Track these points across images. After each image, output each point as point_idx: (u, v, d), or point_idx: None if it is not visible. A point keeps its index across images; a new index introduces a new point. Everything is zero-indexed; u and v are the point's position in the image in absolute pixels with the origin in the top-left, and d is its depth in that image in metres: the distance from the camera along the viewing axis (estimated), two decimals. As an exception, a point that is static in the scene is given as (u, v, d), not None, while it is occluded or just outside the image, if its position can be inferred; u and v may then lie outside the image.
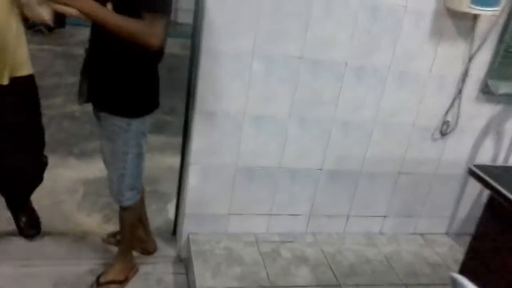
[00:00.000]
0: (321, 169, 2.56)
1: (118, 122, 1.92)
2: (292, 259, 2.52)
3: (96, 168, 3.21)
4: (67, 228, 2.71)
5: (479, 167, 1.77)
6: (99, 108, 2.00)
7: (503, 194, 1.61)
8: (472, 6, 2.20)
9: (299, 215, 2.68)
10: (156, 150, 3.64)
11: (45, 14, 1.54)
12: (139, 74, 1.90)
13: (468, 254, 1.88)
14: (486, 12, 2.24)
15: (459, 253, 2.80)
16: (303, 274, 2.40)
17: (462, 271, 1.90)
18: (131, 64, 1.85)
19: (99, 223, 2.81)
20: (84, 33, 2.21)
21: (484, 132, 2.69)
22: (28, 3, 1.56)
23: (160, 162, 3.54)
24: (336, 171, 2.59)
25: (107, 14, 1.59)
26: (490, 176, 1.71)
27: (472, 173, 1.78)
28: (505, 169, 1.83)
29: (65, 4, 1.49)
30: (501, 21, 2.39)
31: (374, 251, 2.68)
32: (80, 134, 3.79)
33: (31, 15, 1.60)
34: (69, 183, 3.12)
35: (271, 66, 2.25)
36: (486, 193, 2.83)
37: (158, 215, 2.96)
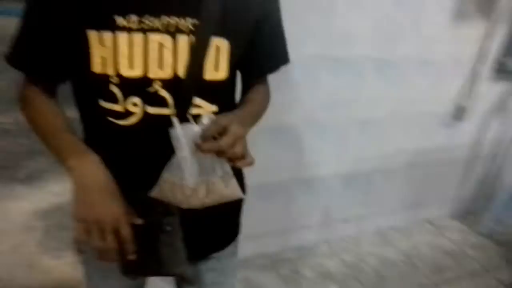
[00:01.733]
0: (336, 174, 2.28)
1: (231, 250, 1.23)
2: (316, 277, 2.27)
3: (50, 194, 2.63)
4: (32, 278, 2.19)
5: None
6: (201, 255, 1.17)
7: None
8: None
9: (311, 225, 2.41)
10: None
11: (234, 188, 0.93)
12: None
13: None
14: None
15: (470, 236, 2.74)
16: (334, 295, 2.18)
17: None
18: None
19: (72, 264, 2.30)
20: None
21: (492, 111, 2.56)
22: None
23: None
24: (351, 174, 2.33)
25: (251, 119, 1.02)
26: None
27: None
28: None
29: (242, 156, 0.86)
30: (520, -5, 2.19)
31: (393, 251, 2.52)
32: (18, 152, 3.09)
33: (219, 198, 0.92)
34: (22, 218, 2.53)
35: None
36: (489, 171, 2.79)
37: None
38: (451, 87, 2.32)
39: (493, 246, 2.69)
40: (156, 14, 0.84)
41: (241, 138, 0.84)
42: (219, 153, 0.82)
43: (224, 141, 0.81)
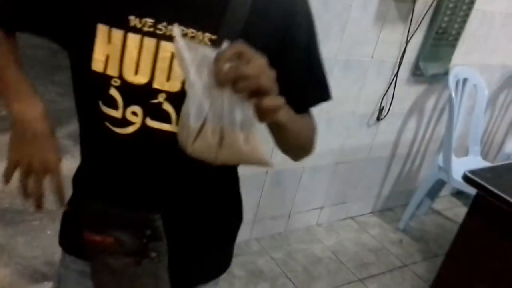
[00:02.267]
0: (266, 172, 2.29)
1: (215, 282, 1.11)
2: (247, 276, 2.25)
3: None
4: None
5: (473, 172, 1.73)
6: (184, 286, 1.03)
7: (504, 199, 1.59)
8: (423, -10, 2.09)
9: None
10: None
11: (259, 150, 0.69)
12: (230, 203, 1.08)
13: (453, 249, 1.87)
14: (430, -4, 2.17)
15: (391, 232, 2.88)
16: (265, 293, 2.17)
17: (448, 261, 1.90)
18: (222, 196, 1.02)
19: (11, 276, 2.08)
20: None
21: (410, 113, 2.71)
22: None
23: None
24: (279, 172, 2.35)
25: (293, 115, 0.81)
26: (486, 181, 1.68)
27: (467, 179, 1.72)
28: (493, 170, 1.83)
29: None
30: (434, 3, 2.35)
31: (320, 247, 2.58)
32: None
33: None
34: None
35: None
36: (406, 169, 2.96)
37: (57, 243, 2.35)
38: (374, 88, 2.43)
39: (410, 241, 2.85)
40: (174, 22, 0.76)
41: (269, 72, 0.63)
42: (239, 84, 0.60)
43: (247, 67, 0.60)
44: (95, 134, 0.87)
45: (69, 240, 1.02)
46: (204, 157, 0.68)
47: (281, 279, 2.29)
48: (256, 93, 0.61)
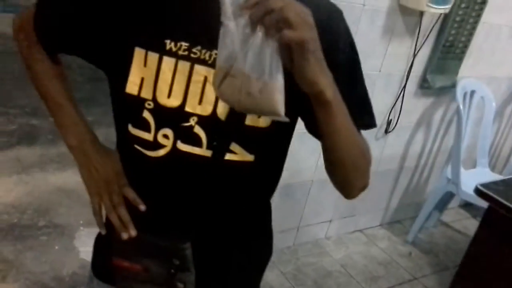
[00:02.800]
0: (275, 185, 2.29)
1: None
2: (257, 290, 2.24)
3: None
4: None
5: (485, 185, 1.72)
6: None
7: None
8: (430, 4, 2.11)
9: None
10: (33, 166, 2.89)
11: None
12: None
13: (465, 262, 1.86)
14: (438, 10, 2.18)
15: (399, 245, 2.86)
16: (275, 308, 2.16)
17: (460, 274, 1.89)
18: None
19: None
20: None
21: (418, 125, 2.72)
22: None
23: (44, 182, 2.83)
24: (287, 185, 2.35)
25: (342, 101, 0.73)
26: (498, 194, 1.67)
27: (479, 192, 1.72)
28: (504, 183, 1.82)
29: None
30: (441, 16, 2.36)
31: (329, 260, 2.56)
32: None
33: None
34: None
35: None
36: (414, 182, 2.96)
37: (67, 257, 2.35)
38: (381, 101, 2.44)
39: (419, 254, 2.83)
40: (208, 47, 0.76)
41: (296, 5, 0.60)
42: (265, 20, 0.58)
43: (272, 1, 0.58)
44: (126, 157, 0.88)
45: (98, 263, 1.02)
46: (229, 101, 0.66)
47: (291, 293, 2.28)
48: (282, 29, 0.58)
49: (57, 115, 0.91)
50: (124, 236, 0.87)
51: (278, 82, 0.62)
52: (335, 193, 0.95)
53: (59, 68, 0.92)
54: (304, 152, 2.25)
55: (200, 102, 0.78)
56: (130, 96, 0.79)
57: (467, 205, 3.34)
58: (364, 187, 0.88)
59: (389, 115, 2.51)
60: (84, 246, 2.32)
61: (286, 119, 0.64)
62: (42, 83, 0.91)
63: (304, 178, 2.41)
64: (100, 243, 1.01)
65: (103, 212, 0.92)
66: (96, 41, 0.81)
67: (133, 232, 0.86)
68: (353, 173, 0.84)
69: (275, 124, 0.79)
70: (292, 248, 2.57)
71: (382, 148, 2.62)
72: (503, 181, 1.91)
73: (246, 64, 0.61)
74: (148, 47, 0.77)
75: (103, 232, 0.91)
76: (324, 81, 0.65)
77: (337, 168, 0.84)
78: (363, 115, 0.85)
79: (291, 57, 0.61)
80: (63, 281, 2.11)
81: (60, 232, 2.42)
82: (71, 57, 0.91)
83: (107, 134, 0.97)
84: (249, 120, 0.78)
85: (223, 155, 0.80)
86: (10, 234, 2.30)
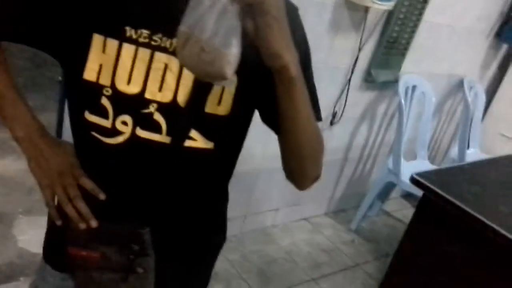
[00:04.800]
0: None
1: None
2: (202, 278, 2.26)
3: None
4: None
5: (419, 175, 1.81)
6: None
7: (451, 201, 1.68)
8: (375, 1, 2.18)
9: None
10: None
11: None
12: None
13: (400, 248, 1.96)
14: (382, 7, 2.26)
15: (343, 233, 2.96)
16: (220, 294, 2.19)
17: (396, 260, 1.98)
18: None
19: None
20: None
21: (362, 118, 2.81)
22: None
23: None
24: (236, 174, 2.37)
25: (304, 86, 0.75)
26: (431, 183, 1.77)
27: (415, 181, 1.81)
28: (438, 173, 1.92)
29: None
30: (385, 14, 2.45)
31: (275, 248, 2.62)
32: None
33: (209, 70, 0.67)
34: None
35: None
36: (358, 172, 3.06)
37: (4, 246, 2.27)
38: (327, 93, 2.50)
39: (361, 242, 2.94)
40: (169, 35, 0.76)
41: None
42: None
43: None
44: (82, 144, 0.87)
45: (51, 252, 1.00)
46: (188, 66, 0.68)
47: (236, 280, 2.31)
48: None
49: (1, 106, 0.87)
50: (82, 226, 0.85)
51: (232, 49, 0.64)
52: (282, 182, 0.99)
53: (1, 57, 0.88)
54: (252, 141, 2.27)
55: (160, 89, 0.78)
56: (88, 82, 0.78)
57: (407, 196, 3.49)
58: (317, 177, 0.90)
59: (334, 107, 2.58)
60: (23, 235, 2.25)
61: (234, 79, 0.67)
62: None
63: (252, 167, 2.45)
64: (52, 232, 0.99)
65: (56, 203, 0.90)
66: (52, 28, 0.79)
67: (94, 223, 0.85)
68: (309, 161, 0.86)
69: (234, 112, 0.81)
70: (238, 236, 2.61)
71: (328, 139, 2.69)
72: (437, 171, 2.02)
73: (206, 29, 0.63)
74: (107, 34, 0.77)
75: (59, 223, 0.89)
76: (289, 57, 0.67)
77: (294, 155, 0.85)
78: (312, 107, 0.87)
79: (255, 24, 0.64)
80: (0, 270, 2.05)
81: (8, 221, 2.34)
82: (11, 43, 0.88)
83: (49, 121, 0.95)
84: (209, 108, 0.80)
85: (183, 142, 0.81)
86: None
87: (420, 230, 1.91)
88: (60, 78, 3.51)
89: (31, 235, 2.22)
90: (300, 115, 0.77)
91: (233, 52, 0.64)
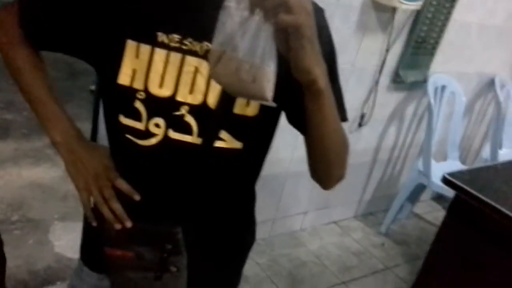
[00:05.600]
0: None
1: None
2: (232, 281, 2.27)
3: None
4: None
5: (451, 175, 1.78)
6: None
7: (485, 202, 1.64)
8: (402, 1, 2.16)
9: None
10: (7, 161, 2.86)
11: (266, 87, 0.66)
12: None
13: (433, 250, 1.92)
14: (409, 6, 2.24)
15: (373, 236, 2.93)
16: (250, 297, 2.20)
17: (428, 262, 1.95)
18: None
19: None
20: None
21: (390, 119, 2.78)
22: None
23: (17, 177, 2.80)
24: (264, 177, 2.38)
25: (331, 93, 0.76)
26: (464, 183, 1.73)
27: (446, 181, 1.78)
28: (471, 172, 1.89)
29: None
30: (413, 13, 2.42)
31: (304, 251, 2.61)
32: None
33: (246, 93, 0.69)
34: None
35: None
36: (387, 174, 3.02)
37: (41, 251, 2.34)
38: (355, 95, 2.49)
39: (391, 245, 2.91)
40: (199, 39, 0.79)
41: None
42: (264, 3, 0.61)
43: None
44: (117, 147, 0.90)
45: (88, 253, 1.04)
46: (221, 83, 0.69)
47: (266, 283, 2.32)
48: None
49: (41, 112, 0.91)
50: (118, 227, 0.88)
51: (270, 68, 0.64)
52: (310, 185, 1.00)
53: (42, 65, 0.93)
54: (280, 144, 2.28)
55: (191, 91, 0.81)
56: (122, 87, 0.81)
57: (438, 198, 3.43)
58: (341, 177, 0.91)
59: (363, 109, 2.57)
60: (59, 240, 2.31)
61: (273, 104, 0.68)
62: (25, 81, 0.91)
63: (280, 170, 2.45)
64: (88, 233, 1.03)
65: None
66: (86, 36, 0.82)
67: (129, 224, 0.88)
68: (335, 163, 0.87)
69: (262, 112, 0.83)
70: (267, 240, 2.61)
71: (356, 141, 2.68)
72: (469, 170, 1.98)
73: (240, 47, 0.63)
74: (140, 40, 0.80)
75: (95, 224, 0.92)
76: (318, 71, 0.68)
77: (321, 158, 0.86)
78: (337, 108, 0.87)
79: (288, 44, 0.64)
80: (38, 275, 2.11)
81: (34, 226, 2.40)
82: (46, 52, 0.92)
83: (83, 129, 0.98)
84: (238, 109, 0.82)
85: (213, 142, 0.83)
86: (-18, 228, 2.28)
87: (452, 231, 1.87)
88: (91, 87, 3.62)
89: (66, 241, 2.29)
90: (327, 123, 0.78)
91: (271, 71, 0.65)
